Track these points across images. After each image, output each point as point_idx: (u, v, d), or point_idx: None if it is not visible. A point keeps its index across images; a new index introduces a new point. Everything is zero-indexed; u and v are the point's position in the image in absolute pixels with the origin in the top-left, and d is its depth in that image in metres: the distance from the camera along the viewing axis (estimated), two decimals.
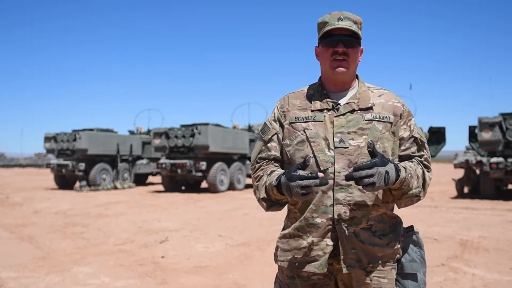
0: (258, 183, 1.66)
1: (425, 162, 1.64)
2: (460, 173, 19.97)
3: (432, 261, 4.80)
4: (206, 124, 14.53)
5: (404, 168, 1.52)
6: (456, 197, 12.41)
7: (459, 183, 12.91)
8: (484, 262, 4.79)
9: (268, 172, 1.62)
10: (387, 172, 1.42)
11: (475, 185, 12.77)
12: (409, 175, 1.52)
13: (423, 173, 1.62)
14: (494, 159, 11.20)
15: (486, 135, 11.36)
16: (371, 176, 1.39)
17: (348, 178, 1.41)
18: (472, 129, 13.77)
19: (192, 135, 14.51)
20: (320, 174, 1.42)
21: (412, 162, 1.62)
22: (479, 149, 13.13)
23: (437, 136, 17.74)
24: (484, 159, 11.67)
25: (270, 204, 1.63)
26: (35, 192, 15.23)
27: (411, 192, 1.56)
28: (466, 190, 13.45)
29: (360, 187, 1.51)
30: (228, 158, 15.55)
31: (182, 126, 15.05)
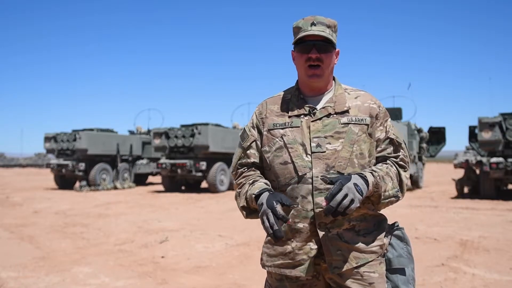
0: (239, 190, 1.68)
1: (400, 162, 1.65)
2: (460, 173, 19.98)
3: (432, 261, 4.81)
4: (206, 124, 14.53)
5: (371, 172, 1.53)
6: (456, 197, 12.41)
7: (459, 183, 12.91)
8: (484, 262, 4.79)
9: (251, 181, 1.64)
10: (355, 184, 1.43)
11: (475, 185, 12.77)
12: (379, 177, 1.53)
13: (398, 173, 1.62)
14: (494, 159, 11.20)
15: (486, 135, 11.36)
16: (346, 195, 1.40)
17: (328, 211, 1.41)
18: (472, 129, 13.78)
19: (192, 135, 14.51)
20: (290, 221, 1.49)
21: (386, 163, 1.63)
22: (479, 149, 13.13)
23: (437, 136, 17.76)
24: (484, 159, 11.67)
25: (249, 212, 1.65)
26: (35, 192, 15.23)
27: (387, 193, 1.56)
28: (466, 190, 13.45)
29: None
30: (228, 158, 15.55)
31: (182, 126, 15.06)
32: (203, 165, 14.14)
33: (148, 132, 20.45)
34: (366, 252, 1.57)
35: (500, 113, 11.71)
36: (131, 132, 20.52)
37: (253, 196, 1.56)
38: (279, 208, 1.45)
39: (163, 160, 14.70)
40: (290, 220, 1.47)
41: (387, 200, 1.57)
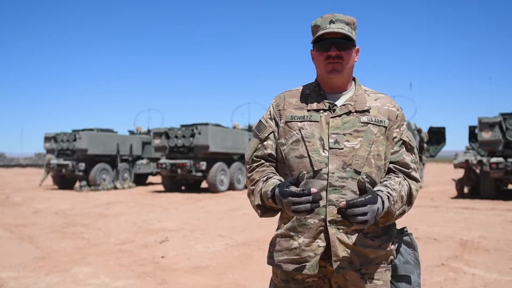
0: (253, 187, 1.63)
1: (412, 174, 1.61)
2: (460, 173, 19.99)
3: (432, 261, 4.81)
4: (206, 124, 14.53)
5: (388, 197, 1.49)
6: (456, 197, 12.41)
7: (459, 183, 12.91)
8: (484, 262, 4.79)
9: (264, 178, 1.60)
10: (377, 209, 1.41)
11: (475, 185, 12.77)
12: (393, 202, 1.50)
13: (409, 190, 1.59)
14: (494, 159, 11.20)
15: (486, 135, 11.36)
16: (364, 214, 1.37)
17: (340, 212, 1.40)
18: (472, 129, 13.78)
19: (192, 135, 14.51)
20: (313, 190, 1.39)
21: (398, 177, 1.59)
22: (479, 149, 13.13)
23: (437, 136, 17.78)
24: (484, 159, 11.67)
25: (264, 210, 1.61)
26: (35, 192, 15.23)
27: (393, 217, 1.54)
28: (466, 190, 13.45)
29: (354, 190, 1.52)
30: (228, 158, 15.55)
31: (182, 126, 15.06)
32: (203, 165, 14.14)
33: (148, 132, 20.46)
34: (372, 256, 1.55)
35: (500, 113, 11.71)
36: (131, 132, 20.52)
37: (269, 196, 1.52)
38: (294, 188, 1.41)
39: (163, 160, 14.70)
40: (313, 189, 1.39)
41: (392, 220, 1.56)
